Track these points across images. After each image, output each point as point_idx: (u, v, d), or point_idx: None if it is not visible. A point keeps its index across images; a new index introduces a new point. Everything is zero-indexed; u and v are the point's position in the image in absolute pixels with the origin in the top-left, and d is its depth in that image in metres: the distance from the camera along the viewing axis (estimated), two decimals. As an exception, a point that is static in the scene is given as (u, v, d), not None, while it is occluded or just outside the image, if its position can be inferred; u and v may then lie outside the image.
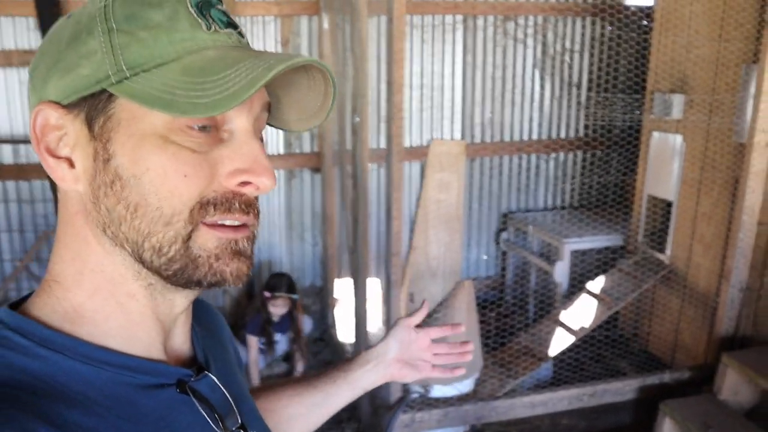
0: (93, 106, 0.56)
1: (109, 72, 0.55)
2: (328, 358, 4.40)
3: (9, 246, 4.18)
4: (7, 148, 4.05)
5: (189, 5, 0.57)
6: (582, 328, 3.70)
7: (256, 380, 3.81)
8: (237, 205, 0.58)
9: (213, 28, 0.58)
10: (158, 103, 0.53)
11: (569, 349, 3.69)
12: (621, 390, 3.25)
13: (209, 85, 0.53)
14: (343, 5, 3.72)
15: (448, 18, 4.54)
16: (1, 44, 3.93)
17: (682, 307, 3.66)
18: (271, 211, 4.61)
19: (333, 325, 4.45)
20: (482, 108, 4.76)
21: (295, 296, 3.95)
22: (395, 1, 2.61)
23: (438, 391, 3.20)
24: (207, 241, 0.57)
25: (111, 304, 0.60)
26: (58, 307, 0.59)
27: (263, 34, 4.33)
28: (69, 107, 0.58)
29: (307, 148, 4.60)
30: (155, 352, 0.63)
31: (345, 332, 4.18)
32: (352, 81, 3.49)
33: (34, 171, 4.05)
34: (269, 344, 3.86)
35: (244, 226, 0.60)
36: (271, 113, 0.66)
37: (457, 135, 4.79)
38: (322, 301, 4.76)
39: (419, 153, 4.65)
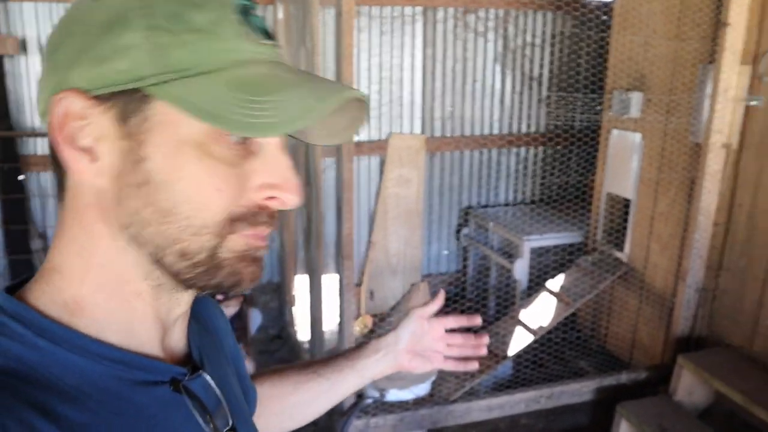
0: (128, 103, 0.54)
1: (151, 72, 0.53)
2: (285, 356, 4.31)
3: None
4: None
5: (232, 11, 0.55)
6: (541, 327, 3.67)
7: None
8: (262, 218, 0.58)
9: (255, 38, 0.56)
10: (206, 114, 0.52)
11: (529, 348, 3.67)
12: (578, 391, 3.23)
13: (265, 106, 0.52)
14: (298, -4, 3.59)
15: (408, 9, 4.44)
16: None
17: (639, 306, 3.65)
18: (226, 206, 4.48)
19: (291, 323, 4.36)
20: (442, 102, 4.69)
21: (246, 292, 3.87)
22: (345, -5, 2.50)
23: (393, 396, 3.14)
24: (236, 245, 0.58)
25: (115, 300, 0.59)
26: (57, 297, 0.58)
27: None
28: (98, 99, 0.54)
29: (263, 142, 4.46)
30: (153, 348, 0.62)
31: (302, 330, 4.09)
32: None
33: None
34: None
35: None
36: None
37: (417, 129, 4.71)
38: (279, 297, 4.66)
39: (378, 147, 4.57)
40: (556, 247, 4.18)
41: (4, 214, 3.89)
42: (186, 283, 0.59)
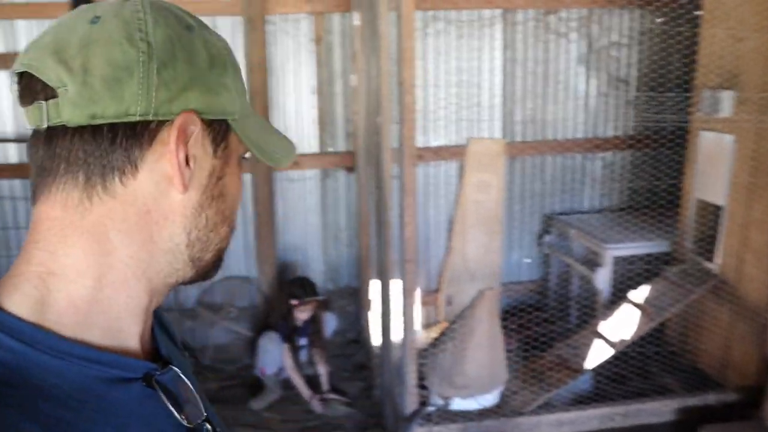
0: (219, 131, 0.66)
1: (234, 110, 0.66)
2: (361, 360, 4.32)
3: (16, 243, 4.23)
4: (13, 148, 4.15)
5: (230, 59, 0.68)
6: (622, 341, 3.47)
7: (301, 385, 3.76)
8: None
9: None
10: (257, 148, 0.69)
11: (611, 362, 3.48)
12: (658, 410, 3.03)
13: (276, 145, 0.73)
14: (370, 2, 3.61)
15: (486, 12, 4.36)
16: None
17: (732, 321, 3.37)
18: (305, 210, 4.56)
19: (367, 327, 4.37)
20: (523, 105, 4.56)
21: (321, 297, 3.92)
22: (405, -2, 2.48)
23: (458, 405, 3.06)
24: (228, 244, 0.71)
25: (120, 298, 0.62)
26: (37, 297, 0.59)
27: (297, 32, 4.27)
28: (205, 123, 0.64)
29: (341, 147, 4.52)
30: (132, 345, 0.64)
31: (376, 334, 4.09)
32: (376, 79, 3.38)
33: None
34: (294, 351, 3.81)
35: None
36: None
37: (498, 133, 4.60)
38: (357, 302, 4.69)
39: (457, 152, 4.51)
40: (641, 256, 3.95)
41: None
42: (199, 273, 0.69)
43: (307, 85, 4.35)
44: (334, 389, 3.87)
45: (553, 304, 4.62)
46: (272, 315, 4.10)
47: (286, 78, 4.31)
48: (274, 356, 3.78)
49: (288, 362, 3.77)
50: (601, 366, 3.46)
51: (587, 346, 3.56)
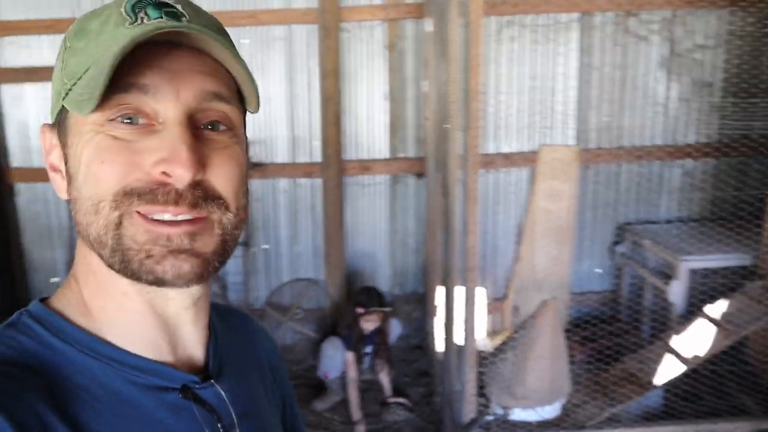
0: (60, 122, 0.62)
1: (60, 87, 0.60)
2: (423, 366, 4.33)
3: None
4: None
5: (123, 7, 0.59)
6: (695, 356, 3.32)
7: (355, 405, 3.68)
8: (160, 195, 0.57)
9: (139, 21, 0.58)
10: (73, 105, 0.57)
11: (684, 378, 3.33)
12: (731, 431, 2.88)
13: (93, 79, 0.55)
14: (441, 8, 3.62)
15: (563, 16, 4.28)
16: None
17: (818, 341, 3.17)
18: (374, 216, 4.62)
19: (431, 334, 4.37)
20: (599, 111, 4.44)
21: (388, 309, 3.89)
22: (472, 4, 2.48)
23: (517, 415, 3.02)
24: (136, 233, 0.57)
25: (110, 305, 0.62)
26: (73, 300, 0.63)
27: (371, 39, 4.33)
28: (53, 126, 0.64)
29: (411, 153, 4.55)
30: (162, 353, 0.64)
31: (439, 341, 4.09)
32: (445, 86, 3.39)
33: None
34: (359, 359, 3.81)
35: (189, 222, 0.58)
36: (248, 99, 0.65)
37: (571, 140, 4.51)
38: (423, 308, 4.70)
39: (529, 159, 4.45)
40: (719, 269, 3.76)
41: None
42: (125, 275, 0.59)
43: (379, 91, 4.40)
44: (396, 393, 3.89)
45: (625, 316, 4.48)
46: (339, 323, 4.14)
47: (358, 84, 4.38)
48: (336, 362, 3.80)
49: (351, 374, 3.73)
50: (673, 382, 3.32)
51: (658, 360, 3.43)
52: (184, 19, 0.60)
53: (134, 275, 0.58)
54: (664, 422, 2.89)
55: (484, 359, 3.22)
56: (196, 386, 0.64)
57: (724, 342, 3.28)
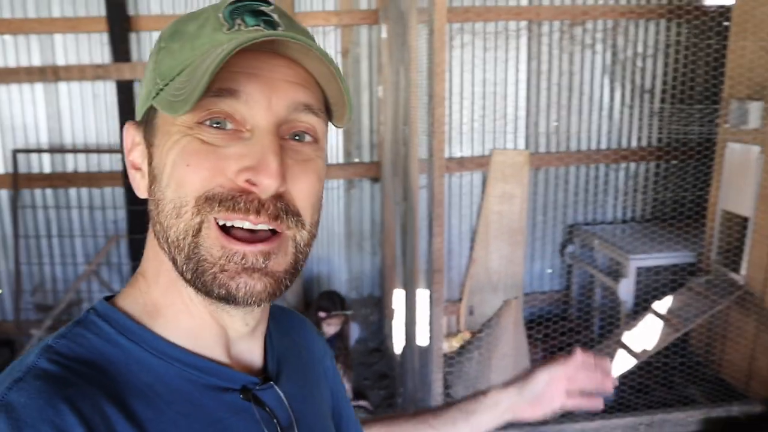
0: (147, 120, 0.62)
1: (152, 87, 0.61)
2: (382, 369, 4.36)
3: (82, 249, 4.39)
4: (81, 157, 4.26)
5: (220, 12, 0.59)
6: (645, 351, 3.48)
7: None
8: (242, 203, 0.57)
9: (237, 27, 0.59)
10: (166, 106, 0.57)
11: (635, 373, 3.49)
12: (683, 421, 3.03)
13: (189, 81, 0.55)
14: (398, 15, 3.68)
15: (512, 24, 4.41)
16: (78, 59, 4.15)
17: (757, 332, 3.37)
18: (330, 220, 4.63)
19: (389, 337, 4.41)
20: (548, 116, 4.59)
21: (349, 312, 3.92)
22: (436, 12, 2.54)
23: (483, 413, 3.09)
24: (212, 246, 0.57)
25: (179, 303, 0.63)
26: (140, 299, 0.64)
27: (324, 44, 4.35)
28: (140, 123, 0.64)
29: (366, 158, 4.58)
30: (219, 355, 0.65)
31: (398, 344, 4.13)
32: (404, 91, 3.44)
33: (105, 178, 4.25)
34: None
35: (265, 240, 0.58)
36: (332, 111, 0.65)
37: (521, 145, 4.64)
38: (380, 311, 4.73)
39: (481, 163, 4.55)
40: (665, 267, 3.95)
41: (130, 224, 4.25)
42: (194, 287, 0.59)
43: (333, 96, 4.41)
44: (356, 395, 3.90)
45: (576, 315, 4.63)
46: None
47: (313, 89, 4.38)
48: None
49: None
50: (624, 376, 3.47)
51: (611, 356, 3.57)
52: (279, 28, 0.60)
53: (204, 287, 0.58)
54: (622, 414, 3.01)
55: (450, 359, 3.28)
56: (256, 388, 0.65)
57: (672, 336, 3.44)
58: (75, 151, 4.21)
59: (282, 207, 0.58)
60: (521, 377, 1.01)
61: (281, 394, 0.67)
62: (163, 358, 0.61)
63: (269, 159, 0.56)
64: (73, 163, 4.28)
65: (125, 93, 4.13)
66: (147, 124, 0.63)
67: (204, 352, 0.64)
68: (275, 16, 0.61)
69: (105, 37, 4.11)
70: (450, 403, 1.01)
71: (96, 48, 4.16)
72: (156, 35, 3.97)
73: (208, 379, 0.62)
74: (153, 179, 0.61)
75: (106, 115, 4.23)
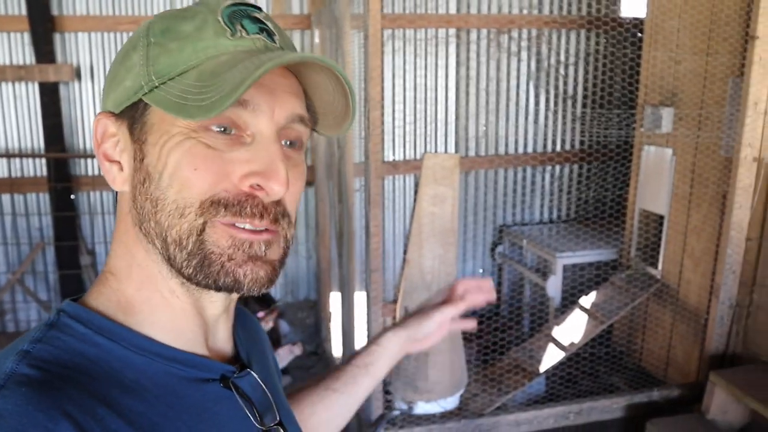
0: (133, 114, 0.62)
1: (143, 82, 0.60)
2: (320, 371, 4.38)
3: (4, 258, 4.22)
4: (2, 162, 4.10)
5: (219, 15, 0.61)
6: (572, 344, 3.65)
7: None
8: (248, 208, 0.59)
9: (239, 34, 0.61)
10: (173, 107, 0.57)
11: (563, 365, 3.65)
12: (609, 408, 3.20)
13: (210, 88, 0.56)
14: (331, 20, 3.73)
15: (441, 31, 4.53)
16: (-3, 60, 3.99)
17: (674, 322, 3.60)
18: (264, 224, 4.61)
19: (327, 339, 4.44)
20: (476, 121, 4.75)
21: (278, 303, 3.98)
22: (371, 18, 2.60)
23: (421, 408, 3.17)
24: (220, 237, 0.59)
25: (156, 297, 0.64)
26: (112, 297, 0.64)
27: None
28: (119, 116, 0.64)
29: (300, 162, 4.60)
30: (199, 347, 0.66)
31: (336, 346, 4.17)
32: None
33: (28, 184, 4.10)
34: None
35: (266, 231, 0.61)
36: (314, 121, 0.69)
37: (452, 148, 4.77)
38: (316, 314, 4.75)
39: (413, 166, 4.65)
40: (590, 264, 4.16)
41: (56, 231, 4.11)
42: (192, 281, 0.61)
43: (267, 100, 4.41)
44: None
45: (508, 311, 4.80)
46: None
47: (246, 93, 4.37)
48: None
49: None
50: (554, 368, 3.63)
51: (541, 350, 3.73)
52: (276, 37, 0.63)
53: (208, 279, 0.60)
54: (553, 404, 3.15)
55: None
56: (234, 375, 0.67)
57: (597, 328, 3.63)
58: (-4, 155, 4.05)
59: (280, 211, 0.62)
60: (413, 319, 1.05)
61: (257, 378, 0.69)
62: (144, 354, 0.61)
63: (278, 166, 0.59)
64: (-7, 168, 4.11)
65: (49, 95, 4.00)
66: (133, 119, 0.63)
67: (182, 346, 0.65)
68: (270, 25, 0.64)
69: (27, 37, 3.97)
70: (347, 359, 1.03)
71: (17, 48, 4.02)
72: (83, 36, 3.89)
73: (189, 372, 0.64)
74: (146, 177, 0.61)
75: (28, 118, 4.08)
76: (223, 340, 0.70)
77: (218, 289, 0.61)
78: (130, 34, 0.69)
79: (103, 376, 0.58)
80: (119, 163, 0.64)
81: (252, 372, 0.69)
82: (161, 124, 0.60)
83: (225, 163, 0.59)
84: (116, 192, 0.67)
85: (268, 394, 0.70)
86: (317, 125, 0.70)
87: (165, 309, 0.64)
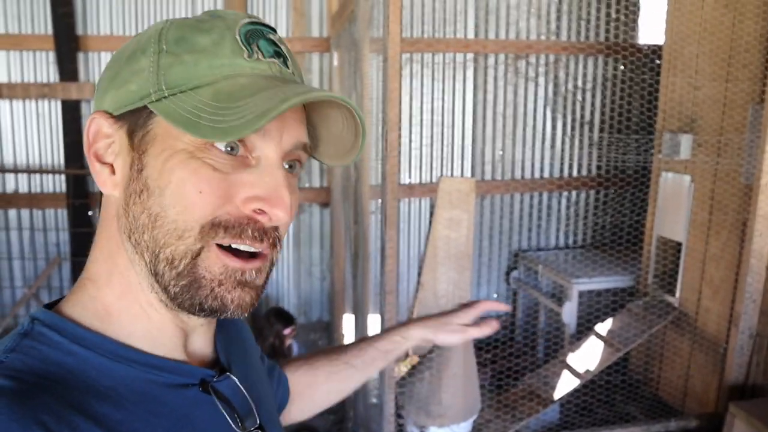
0: (135, 120, 0.60)
1: (151, 90, 0.58)
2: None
3: (21, 273, 4.25)
4: (23, 178, 4.15)
5: (237, 33, 0.60)
6: (588, 371, 3.59)
7: None
8: (249, 231, 0.59)
9: (256, 56, 0.60)
10: (184, 123, 0.56)
11: (578, 392, 3.59)
12: (625, 437, 3.13)
13: (229, 111, 0.55)
14: (350, 44, 3.76)
15: (459, 56, 4.56)
16: (22, 77, 4.06)
17: (692, 351, 3.54)
18: (279, 244, 4.62)
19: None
20: (493, 145, 4.75)
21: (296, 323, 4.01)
22: (390, 41, 2.62)
23: (433, 433, 3.13)
24: (213, 264, 0.59)
25: (135, 307, 0.62)
26: (90, 305, 0.62)
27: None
28: (118, 118, 0.61)
29: (316, 183, 4.62)
30: (177, 353, 0.65)
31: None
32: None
33: (47, 200, 4.14)
34: None
35: (257, 256, 0.61)
36: (314, 147, 0.69)
37: (468, 172, 4.77)
38: (328, 336, 4.73)
39: (429, 190, 4.65)
40: (606, 290, 4.12)
41: (73, 246, 4.14)
42: (175, 302, 0.60)
43: (285, 121, 4.45)
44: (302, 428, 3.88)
45: (522, 337, 4.74)
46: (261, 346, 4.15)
47: (264, 114, 4.41)
48: None
49: None
50: (568, 396, 3.57)
51: (556, 377, 3.68)
52: (289, 62, 0.63)
53: (193, 301, 0.60)
54: (567, 432, 3.10)
55: (402, 380, 3.31)
56: (213, 380, 0.66)
57: (613, 356, 3.57)
58: (16, 171, 4.10)
59: (277, 235, 0.62)
60: (436, 319, 1.09)
61: (237, 382, 0.68)
62: (121, 361, 0.60)
63: (283, 193, 0.59)
64: (14, 183, 4.16)
65: (71, 113, 4.06)
66: (135, 126, 0.61)
67: (160, 352, 0.64)
68: (283, 49, 0.63)
69: (52, 56, 4.05)
70: (370, 340, 1.07)
71: (42, 66, 4.09)
72: (106, 56, 3.96)
73: (168, 377, 0.63)
74: (144, 189, 0.59)
75: (50, 135, 4.14)
76: (202, 345, 0.69)
77: (202, 311, 0.60)
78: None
79: (80, 385, 0.57)
80: (111, 165, 0.62)
81: (232, 375, 0.68)
82: (165, 138, 0.59)
83: (229, 185, 0.59)
84: (101, 193, 0.65)
85: (248, 398, 0.69)
86: (316, 152, 0.70)
87: (142, 318, 0.63)
